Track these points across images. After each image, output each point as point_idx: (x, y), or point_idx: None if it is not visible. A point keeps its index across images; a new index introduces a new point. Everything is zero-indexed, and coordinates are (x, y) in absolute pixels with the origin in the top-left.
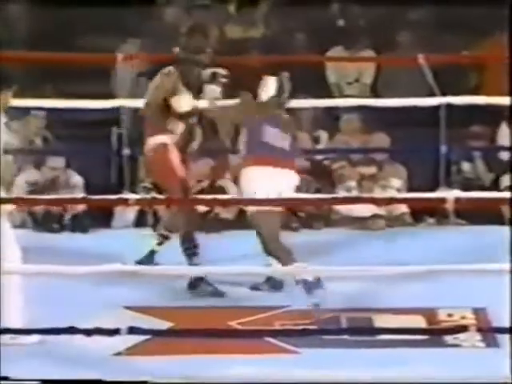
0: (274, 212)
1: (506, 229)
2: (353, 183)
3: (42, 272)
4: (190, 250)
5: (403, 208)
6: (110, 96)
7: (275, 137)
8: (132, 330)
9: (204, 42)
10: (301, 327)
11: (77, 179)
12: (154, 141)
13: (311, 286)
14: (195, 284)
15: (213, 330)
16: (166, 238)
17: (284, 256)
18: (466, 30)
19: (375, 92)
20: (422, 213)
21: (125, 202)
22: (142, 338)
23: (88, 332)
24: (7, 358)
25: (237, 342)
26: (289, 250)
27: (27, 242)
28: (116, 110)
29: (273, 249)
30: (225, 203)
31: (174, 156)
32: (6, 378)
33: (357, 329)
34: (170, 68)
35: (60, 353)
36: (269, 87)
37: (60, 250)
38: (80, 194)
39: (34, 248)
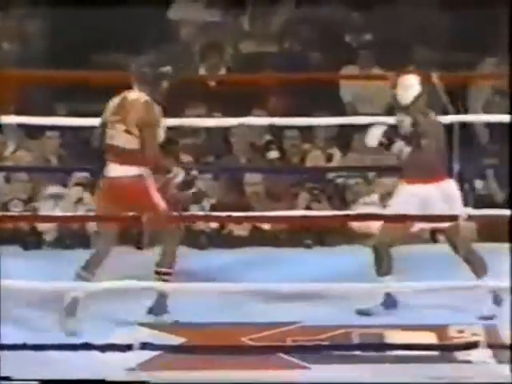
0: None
1: None
2: (372, 199)
3: (63, 288)
4: (167, 276)
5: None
6: None
7: None
8: (144, 346)
9: (219, 59)
10: (313, 343)
11: None
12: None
13: None
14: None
15: (225, 346)
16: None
17: None
18: (481, 46)
19: (391, 111)
20: (434, 230)
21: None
22: (155, 353)
23: (102, 348)
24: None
25: (249, 358)
26: None
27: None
28: None
29: None
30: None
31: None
32: (7, 378)
33: (368, 345)
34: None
35: (73, 369)
36: (412, 86)
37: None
38: None
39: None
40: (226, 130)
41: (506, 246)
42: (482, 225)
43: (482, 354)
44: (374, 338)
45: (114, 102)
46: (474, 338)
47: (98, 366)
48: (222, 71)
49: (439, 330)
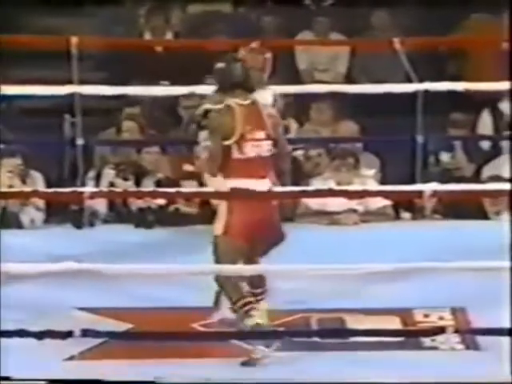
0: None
1: (487, 223)
2: (328, 175)
3: None
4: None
5: (383, 201)
6: (62, 82)
7: None
8: (86, 333)
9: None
10: (269, 329)
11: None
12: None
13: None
14: None
15: (174, 333)
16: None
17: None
18: (447, 10)
19: (349, 80)
20: (397, 207)
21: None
22: (97, 341)
23: (39, 335)
24: None
25: (200, 344)
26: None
27: None
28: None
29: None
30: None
31: None
32: (7, 378)
33: (328, 330)
34: None
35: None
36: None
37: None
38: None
39: None
40: (174, 100)
41: (473, 223)
42: (450, 201)
43: (449, 340)
44: (334, 323)
45: (218, 115)
46: (441, 323)
47: (33, 354)
48: (169, 36)
49: (403, 314)
